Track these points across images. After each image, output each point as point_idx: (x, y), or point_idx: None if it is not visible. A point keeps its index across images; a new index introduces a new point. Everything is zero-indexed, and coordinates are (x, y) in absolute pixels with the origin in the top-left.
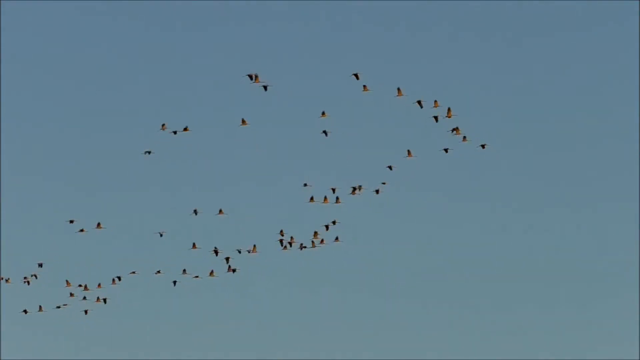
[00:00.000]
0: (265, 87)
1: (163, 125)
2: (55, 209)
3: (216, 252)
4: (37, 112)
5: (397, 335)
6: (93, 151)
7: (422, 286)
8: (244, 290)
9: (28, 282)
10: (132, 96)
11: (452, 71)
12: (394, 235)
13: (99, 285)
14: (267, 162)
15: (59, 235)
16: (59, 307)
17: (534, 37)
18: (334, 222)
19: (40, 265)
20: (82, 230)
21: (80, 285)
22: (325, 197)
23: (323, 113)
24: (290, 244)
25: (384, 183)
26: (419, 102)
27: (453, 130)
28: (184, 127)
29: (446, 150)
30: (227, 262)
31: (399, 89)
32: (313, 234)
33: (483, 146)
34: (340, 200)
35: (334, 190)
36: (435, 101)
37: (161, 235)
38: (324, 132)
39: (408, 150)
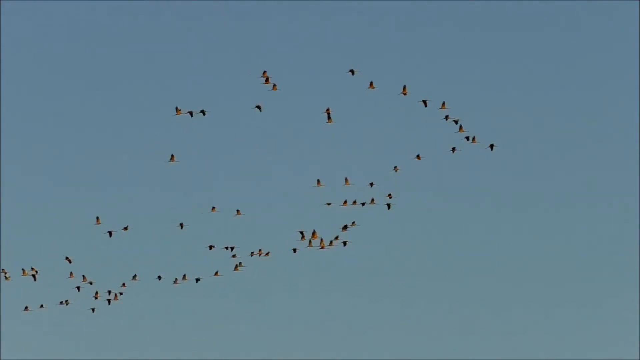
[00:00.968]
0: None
1: (177, 109)
2: (55, 209)
3: (231, 249)
4: (37, 112)
5: (397, 335)
6: (93, 151)
7: (422, 286)
8: (243, 290)
9: (34, 277)
10: (132, 96)
11: (452, 71)
12: (394, 236)
13: (109, 291)
14: (273, 160)
15: (72, 234)
16: (61, 303)
17: (534, 37)
18: (353, 223)
19: (69, 260)
20: (107, 231)
21: (85, 279)
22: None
23: (329, 118)
24: (310, 241)
25: (390, 196)
26: (424, 101)
27: (467, 138)
28: (201, 109)
29: (453, 149)
30: (234, 256)
31: (404, 87)
32: (335, 237)
33: (491, 147)
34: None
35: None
36: (443, 103)
37: (182, 227)
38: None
39: (418, 155)
